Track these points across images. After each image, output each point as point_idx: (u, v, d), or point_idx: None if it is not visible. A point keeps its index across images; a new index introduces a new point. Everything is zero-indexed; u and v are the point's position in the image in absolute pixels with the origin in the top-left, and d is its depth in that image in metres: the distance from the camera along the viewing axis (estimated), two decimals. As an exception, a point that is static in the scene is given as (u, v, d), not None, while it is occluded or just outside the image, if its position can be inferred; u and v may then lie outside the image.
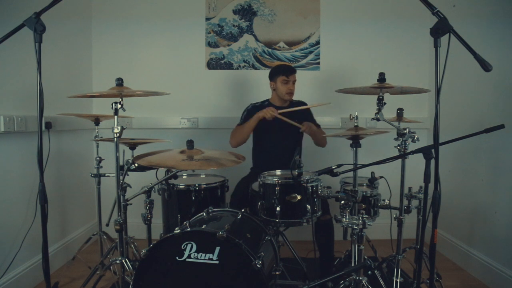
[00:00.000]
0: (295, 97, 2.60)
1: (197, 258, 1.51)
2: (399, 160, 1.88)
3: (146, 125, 3.23)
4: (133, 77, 2.83)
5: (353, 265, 1.79)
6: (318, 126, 2.73)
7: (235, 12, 3.25)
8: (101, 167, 2.45)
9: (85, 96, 2.02)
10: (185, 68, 3.26)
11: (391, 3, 3.25)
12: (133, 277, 1.57)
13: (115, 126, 1.79)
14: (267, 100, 2.65)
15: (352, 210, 1.79)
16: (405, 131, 1.81)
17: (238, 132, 2.55)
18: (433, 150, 1.51)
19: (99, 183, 2.48)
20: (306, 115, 2.64)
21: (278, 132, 2.50)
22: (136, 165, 1.93)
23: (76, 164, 2.96)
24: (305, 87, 3.11)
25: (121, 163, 1.92)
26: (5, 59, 2.11)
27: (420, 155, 1.62)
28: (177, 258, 1.52)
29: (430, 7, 1.37)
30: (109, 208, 2.35)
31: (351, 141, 1.89)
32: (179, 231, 1.54)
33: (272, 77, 2.57)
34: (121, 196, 1.90)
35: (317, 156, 2.92)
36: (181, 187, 2.08)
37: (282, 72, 2.51)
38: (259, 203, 1.86)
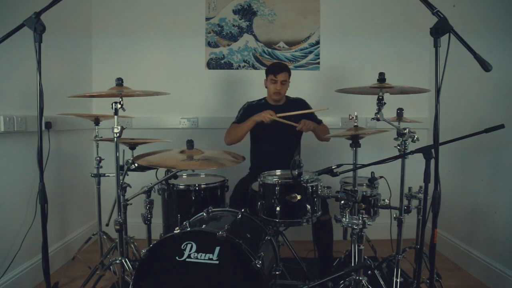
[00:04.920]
0: (295, 94, 2.58)
1: (197, 258, 1.51)
2: (399, 160, 1.88)
3: (146, 125, 3.23)
4: (133, 77, 2.82)
5: (353, 265, 1.79)
6: (320, 121, 2.67)
7: (235, 12, 3.25)
8: (101, 167, 2.45)
9: (85, 96, 2.02)
10: (185, 68, 3.26)
11: (391, 3, 3.25)
12: (133, 277, 1.57)
13: (115, 126, 1.79)
14: (264, 98, 2.63)
15: (352, 210, 1.79)
16: (405, 131, 1.81)
17: (233, 132, 2.52)
18: (433, 150, 1.51)
19: (99, 183, 2.48)
20: (307, 114, 2.60)
21: (276, 132, 2.49)
22: (136, 165, 1.93)
23: (76, 164, 2.95)
24: (305, 87, 3.11)
25: (121, 163, 1.92)
26: (5, 59, 2.11)
27: (420, 155, 1.63)
28: (177, 258, 1.52)
29: (430, 7, 1.37)
30: (109, 208, 2.35)
31: (351, 141, 1.88)
32: (179, 231, 1.54)
33: (265, 74, 2.55)
34: (121, 196, 1.91)
35: (317, 156, 2.92)
36: (181, 187, 2.08)
37: (271, 71, 2.48)
38: (259, 203, 1.85)
